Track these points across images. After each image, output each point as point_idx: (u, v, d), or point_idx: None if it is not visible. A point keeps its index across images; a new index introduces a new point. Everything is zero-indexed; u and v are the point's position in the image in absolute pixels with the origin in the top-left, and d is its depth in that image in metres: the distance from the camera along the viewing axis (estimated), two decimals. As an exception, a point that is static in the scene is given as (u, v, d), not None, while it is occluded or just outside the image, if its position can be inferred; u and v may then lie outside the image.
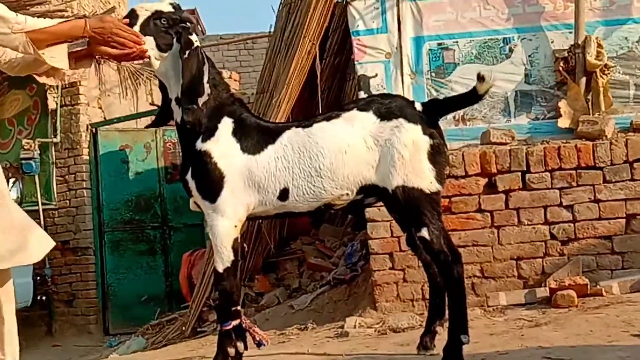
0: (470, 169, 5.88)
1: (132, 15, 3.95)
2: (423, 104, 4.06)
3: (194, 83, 3.93)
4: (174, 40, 3.97)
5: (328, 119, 4.02)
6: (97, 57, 3.93)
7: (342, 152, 3.89)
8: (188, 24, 4.01)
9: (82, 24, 3.60)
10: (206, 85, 3.99)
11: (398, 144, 3.84)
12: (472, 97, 4.05)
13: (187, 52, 3.92)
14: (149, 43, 3.92)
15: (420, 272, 5.75)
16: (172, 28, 3.97)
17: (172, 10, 4.00)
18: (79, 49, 3.76)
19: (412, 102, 4.07)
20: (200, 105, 3.96)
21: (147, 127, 4.58)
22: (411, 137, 3.86)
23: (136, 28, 3.88)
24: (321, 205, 3.99)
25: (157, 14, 3.96)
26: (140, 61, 4.05)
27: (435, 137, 3.92)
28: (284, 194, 3.94)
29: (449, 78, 6.31)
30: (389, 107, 3.95)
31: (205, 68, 3.99)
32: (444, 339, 3.91)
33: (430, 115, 3.98)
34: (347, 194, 3.94)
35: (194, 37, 4.00)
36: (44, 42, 3.49)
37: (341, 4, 6.96)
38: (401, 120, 3.89)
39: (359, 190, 3.94)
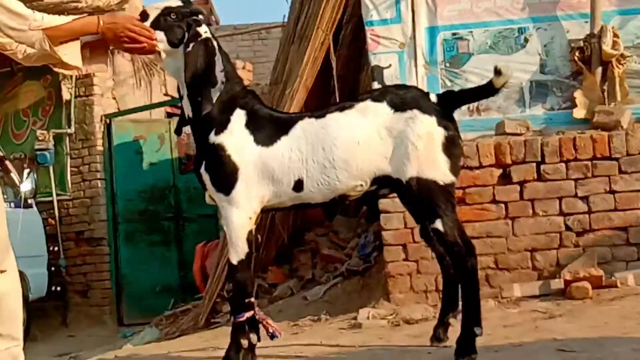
0: (484, 159, 5.84)
1: (143, 16, 3.98)
2: (438, 96, 4.04)
3: (199, 74, 3.92)
4: (185, 33, 3.98)
5: (341, 109, 4.02)
6: (111, 48, 3.93)
7: (356, 143, 3.89)
8: (199, 15, 4.02)
9: (96, 21, 3.64)
10: (219, 75, 3.99)
11: (412, 135, 3.83)
12: (488, 90, 4.03)
13: (190, 45, 3.93)
14: (160, 39, 3.94)
15: (433, 264, 5.69)
16: (183, 22, 3.98)
17: (181, 4, 4.01)
18: (92, 39, 3.74)
19: (427, 94, 4.06)
20: (213, 96, 3.96)
21: (176, 132, 4.63)
22: (425, 128, 3.85)
23: (147, 23, 3.89)
24: (336, 196, 4.00)
25: (167, 10, 3.99)
26: (152, 55, 4.07)
27: (449, 128, 3.91)
28: (298, 185, 3.94)
29: (463, 68, 6.26)
30: (404, 98, 3.94)
31: (217, 59, 3.99)
32: (458, 330, 3.90)
33: (444, 107, 3.96)
34: (362, 185, 3.94)
35: (203, 29, 4.00)
36: (59, 38, 3.53)
37: (355, -6, 6.92)
38: (415, 111, 3.88)
39: (373, 181, 3.94)
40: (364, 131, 3.90)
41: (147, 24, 3.90)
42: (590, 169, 5.74)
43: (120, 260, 10.47)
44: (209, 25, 4.11)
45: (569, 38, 6.15)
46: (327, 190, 3.94)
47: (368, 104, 3.97)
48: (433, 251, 4.24)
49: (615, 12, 6.11)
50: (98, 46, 3.81)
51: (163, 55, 4.02)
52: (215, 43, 4.02)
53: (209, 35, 4.01)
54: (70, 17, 3.69)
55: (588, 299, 5.18)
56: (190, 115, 4.07)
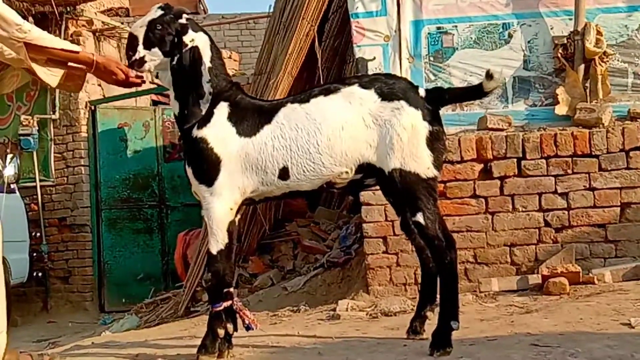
0: (466, 154, 5.86)
1: (132, 38, 4.07)
2: (427, 91, 4.05)
3: (191, 89, 4.01)
4: (175, 39, 4.03)
5: (326, 92, 4.01)
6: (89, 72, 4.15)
7: (340, 128, 3.89)
8: (183, 17, 4.05)
9: (91, 55, 4.00)
10: (206, 86, 4.04)
11: (398, 125, 3.84)
12: (477, 92, 4.07)
13: (175, 58, 4.02)
14: (155, 55, 4.04)
15: (413, 257, 5.73)
16: (171, 28, 4.04)
17: (162, 12, 4.05)
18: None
19: (416, 87, 4.06)
20: (203, 109, 4.02)
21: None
22: (411, 121, 3.87)
23: (140, 47, 4.02)
24: (323, 184, 4.00)
25: (152, 25, 4.05)
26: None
27: (434, 123, 3.93)
28: (284, 173, 3.95)
29: (447, 62, 6.28)
30: (392, 88, 3.94)
31: (204, 69, 4.04)
32: (435, 323, 3.92)
33: (432, 102, 3.97)
34: (347, 172, 3.94)
35: (188, 37, 4.05)
36: (42, 54, 3.84)
37: (341, -14, 6.93)
38: (403, 102, 3.89)
39: (358, 169, 3.95)
40: (348, 116, 3.90)
41: (140, 46, 4.02)
42: (571, 165, 5.78)
43: (102, 247, 10.46)
44: (195, 28, 4.10)
45: (552, 35, 6.17)
46: (314, 177, 3.95)
47: (355, 89, 3.97)
48: (413, 244, 4.25)
49: (599, 10, 6.14)
50: (77, 71, 4.08)
51: (155, 71, 4.12)
52: (203, 47, 4.06)
53: (195, 42, 4.04)
54: (59, 40, 3.96)
55: (565, 295, 5.21)
56: (176, 113, 4.13)
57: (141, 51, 4.04)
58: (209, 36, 4.16)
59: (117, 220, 10.63)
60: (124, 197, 10.69)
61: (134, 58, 4.06)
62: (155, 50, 4.03)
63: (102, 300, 10.37)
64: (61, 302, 10.43)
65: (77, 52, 3.97)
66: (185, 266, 8.04)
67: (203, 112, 4.01)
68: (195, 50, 4.02)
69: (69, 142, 10.52)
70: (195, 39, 4.05)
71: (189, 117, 4.01)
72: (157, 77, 4.22)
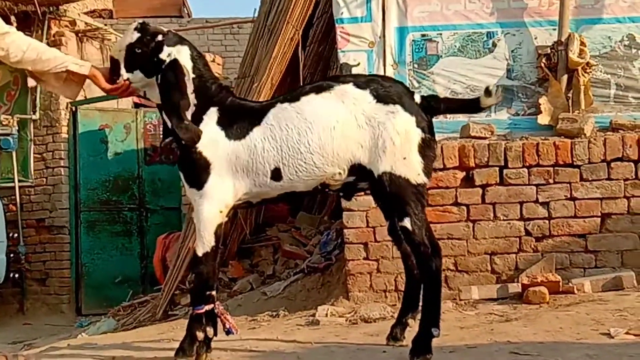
0: (448, 162, 5.86)
1: (113, 62, 4.10)
2: (423, 97, 4.04)
3: (176, 103, 3.97)
4: (154, 58, 4.03)
5: (318, 90, 3.99)
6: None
7: (331, 127, 3.87)
8: (158, 36, 4.02)
9: (88, 66, 4.09)
10: (191, 97, 4.01)
11: (391, 129, 3.83)
12: (472, 106, 4.10)
13: (159, 76, 4.02)
14: (138, 77, 4.06)
15: (394, 264, 5.75)
16: (148, 49, 4.03)
17: (140, 35, 4.05)
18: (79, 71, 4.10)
19: (412, 92, 4.06)
20: (189, 118, 3.99)
21: (160, 144, 4.82)
22: (404, 126, 3.86)
23: (122, 71, 4.04)
24: (318, 185, 3.99)
25: (130, 47, 4.05)
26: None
27: (427, 131, 3.92)
28: (276, 174, 3.93)
29: (431, 70, 6.29)
30: (388, 91, 3.93)
31: (187, 79, 4.01)
32: (414, 330, 3.91)
33: (426, 109, 3.96)
34: (340, 173, 3.92)
35: (165, 53, 4.02)
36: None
37: (326, -9, 6.93)
38: (398, 107, 3.88)
39: (350, 171, 3.92)
40: (339, 116, 3.87)
41: (122, 69, 4.03)
42: (552, 175, 5.79)
43: (80, 249, 10.37)
44: (171, 42, 4.07)
45: (536, 44, 6.20)
46: (307, 177, 3.93)
47: (349, 88, 3.94)
48: (399, 250, 4.24)
49: (583, 21, 6.18)
50: (76, 75, 4.10)
51: (142, 91, 4.15)
52: (183, 59, 4.03)
53: (172, 56, 4.01)
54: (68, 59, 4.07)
55: (545, 304, 5.21)
56: (170, 126, 4.08)
57: (124, 74, 4.05)
58: (190, 44, 4.13)
59: (96, 223, 10.54)
60: (103, 199, 10.61)
61: (118, 82, 4.07)
62: (137, 72, 4.05)
63: (79, 303, 10.28)
64: (38, 304, 10.33)
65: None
66: (164, 269, 7.99)
67: (189, 120, 3.99)
68: (173, 64, 4.00)
69: (49, 143, 10.44)
70: (172, 53, 4.01)
71: (181, 131, 3.95)
72: (144, 95, 4.21)
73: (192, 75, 4.05)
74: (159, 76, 4.01)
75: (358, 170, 3.92)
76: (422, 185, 3.91)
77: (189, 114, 4.00)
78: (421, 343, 3.81)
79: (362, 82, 3.99)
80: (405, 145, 3.85)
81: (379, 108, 3.88)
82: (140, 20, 4.18)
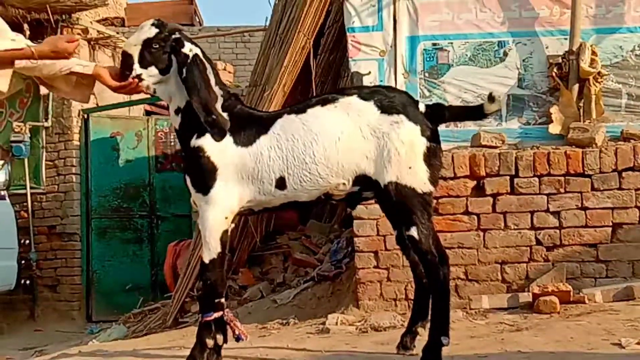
0: (459, 170, 5.86)
1: (126, 56, 4.04)
2: (427, 106, 4.06)
3: (204, 96, 3.96)
4: (171, 56, 4.02)
5: (324, 102, 4.01)
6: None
7: (336, 139, 3.89)
8: (177, 33, 4.02)
9: (29, 52, 3.94)
10: (216, 88, 4.03)
11: (396, 139, 3.84)
12: (477, 113, 4.10)
13: (184, 70, 3.98)
14: (152, 72, 4.02)
15: (404, 272, 5.74)
16: (166, 46, 4.01)
17: (158, 30, 4.02)
18: (83, 71, 4.10)
19: (416, 102, 4.07)
20: (219, 110, 4.00)
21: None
22: (409, 135, 3.87)
23: (136, 66, 3.99)
24: (321, 195, 4.00)
25: (147, 42, 4.02)
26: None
27: (432, 139, 3.93)
28: (281, 183, 3.95)
29: (442, 79, 6.30)
30: (392, 101, 3.94)
31: (209, 72, 4.03)
32: (425, 339, 3.91)
33: (431, 118, 3.97)
34: (344, 184, 3.94)
35: (186, 48, 4.03)
36: None
37: (338, 0, 6.93)
38: (402, 117, 3.89)
39: (355, 181, 3.94)
40: (345, 127, 3.89)
41: (135, 64, 3.99)
42: (563, 184, 5.79)
43: (91, 256, 10.39)
44: (189, 43, 4.09)
45: (547, 54, 6.20)
46: (311, 187, 3.94)
47: (354, 100, 3.96)
48: (407, 259, 4.24)
49: (595, 31, 6.18)
50: (85, 78, 4.11)
51: (152, 87, 4.09)
52: (201, 55, 4.06)
53: (194, 50, 4.03)
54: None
55: (555, 314, 5.20)
56: (177, 127, 4.12)
57: (137, 69, 4.02)
58: (201, 49, 4.16)
59: (107, 230, 10.57)
60: (114, 206, 10.64)
61: (130, 77, 4.03)
62: (152, 68, 4.02)
63: (90, 309, 10.29)
64: (48, 311, 10.35)
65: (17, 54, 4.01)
66: (174, 277, 8.00)
67: (219, 110, 3.99)
68: (197, 58, 4.01)
69: (61, 150, 10.48)
70: (193, 48, 4.04)
71: (208, 107, 3.95)
72: (154, 92, 4.19)
73: (214, 80, 4.08)
74: (184, 70, 3.96)
75: (363, 181, 3.93)
76: (429, 194, 3.92)
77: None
78: (431, 352, 3.81)
79: (366, 93, 4.01)
80: (410, 155, 3.86)
81: (383, 119, 3.89)
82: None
